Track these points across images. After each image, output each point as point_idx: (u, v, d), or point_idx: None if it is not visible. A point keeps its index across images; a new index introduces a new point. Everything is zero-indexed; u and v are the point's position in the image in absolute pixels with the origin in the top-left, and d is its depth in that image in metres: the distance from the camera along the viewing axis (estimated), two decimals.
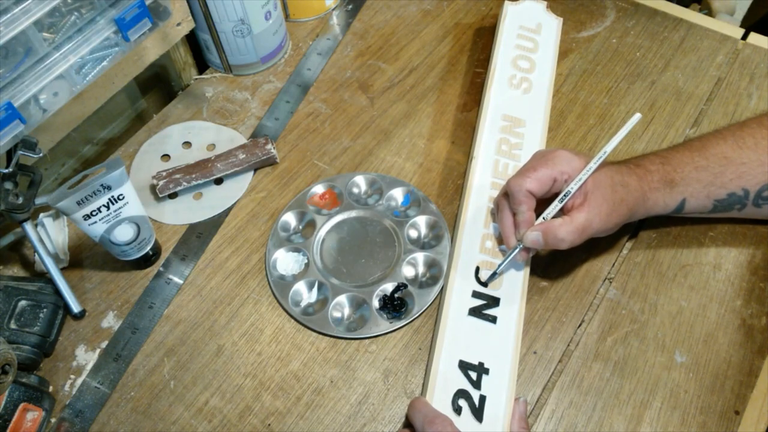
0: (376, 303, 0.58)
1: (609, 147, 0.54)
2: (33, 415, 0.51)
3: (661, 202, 0.56)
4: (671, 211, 0.57)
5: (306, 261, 0.61)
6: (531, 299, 0.58)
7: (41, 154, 0.55)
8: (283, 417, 0.53)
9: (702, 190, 0.55)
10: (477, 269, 0.57)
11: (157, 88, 0.80)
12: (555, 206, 0.54)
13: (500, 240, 0.58)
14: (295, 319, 0.58)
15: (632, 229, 0.62)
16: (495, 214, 0.59)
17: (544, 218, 0.54)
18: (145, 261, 0.61)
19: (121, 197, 0.54)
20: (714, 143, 0.56)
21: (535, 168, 0.54)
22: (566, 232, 0.52)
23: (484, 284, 0.56)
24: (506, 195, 0.56)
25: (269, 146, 0.67)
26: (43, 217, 0.62)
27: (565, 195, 0.53)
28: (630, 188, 0.54)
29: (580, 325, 0.57)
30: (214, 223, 0.65)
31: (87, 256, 0.63)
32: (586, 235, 0.53)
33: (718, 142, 0.56)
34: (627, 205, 0.54)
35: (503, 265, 0.56)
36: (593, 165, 0.53)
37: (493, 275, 0.56)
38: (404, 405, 0.53)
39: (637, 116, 0.54)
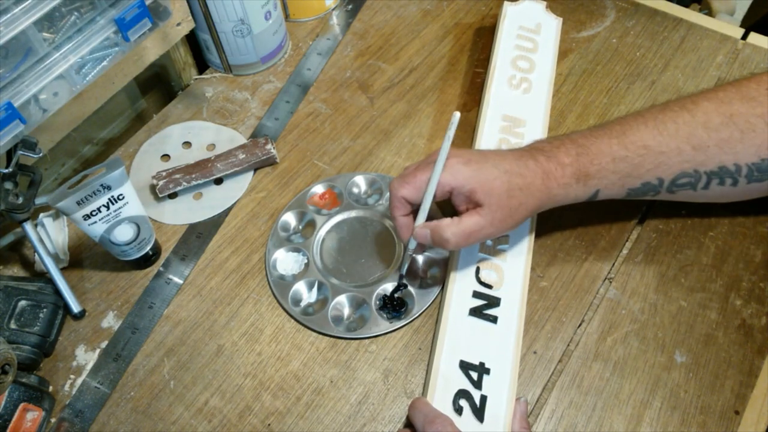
0: (376, 303, 0.58)
1: (443, 151, 0.51)
2: (33, 415, 0.51)
3: (572, 195, 0.54)
4: (582, 201, 0.55)
5: (306, 261, 0.61)
6: (531, 299, 0.58)
7: (41, 154, 0.55)
8: (283, 417, 0.53)
9: (617, 181, 0.54)
10: (477, 269, 0.57)
11: (157, 88, 0.80)
12: (423, 213, 0.53)
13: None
14: (295, 319, 0.58)
15: (630, 230, 0.62)
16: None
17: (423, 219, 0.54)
18: (145, 261, 0.61)
19: (121, 197, 0.54)
20: (635, 129, 0.54)
21: (415, 174, 0.52)
22: (452, 233, 0.51)
23: (397, 288, 0.58)
24: None
25: (269, 146, 0.67)
26: (43, 217, 0.62)
27: (419, 209, 0.53)
28: (532, 190, 0.52)
29: (580, 325, 0.57)
30: (214, 223, 0.65)
31: (87, 256, 0.63)
32: (473, 240, 0.51)
33: (639, 127, 0.54)
34: (526, 208, 0.52)
35: (404, 266, 0.56)
36: (438, 169, 0.51)
37: (401, 277, 0.57)
38: (404, 405, 0.53)
39: (456, 115, 0.51)
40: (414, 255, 0.57)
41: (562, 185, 0.53)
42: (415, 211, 0.54)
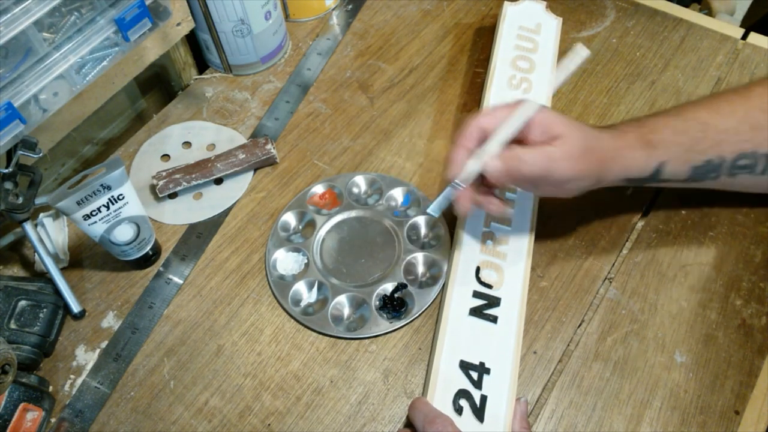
0: (376, 303, 0.58)
1: (556, 81, 0.50)
2: (33, 415, 0.51)
3: (639, 163, 0.52)
4: (647, 176, 0.54)
5: (306, 261, 0.61)
6: (531, 299, 0.58)
7: (41, 154, 0.55)
8: (283, 417, 0.53)
9: (682, 154, 0.53)
10: (477, 269, 0.57)
11: (157, 88, 0.80)
12: (492, 142, 0.49)
13: (487, 235, 0.57)
14: (295, 319, 0.58)
15: (630, 230, 0.62)
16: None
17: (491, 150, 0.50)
18: (145, 261, 0.61)
19: (120, 197, 0.54)
20: (691, 110, 0.54)
21: (496, 109, 0.50)
22: (530, 155, 0.48)
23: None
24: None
25: (269, 146, 0.67)
26: (43, 217, 0.62)
27: (510, 133, 0.49)
28: (603, 143, 0.51)
29: (580, 325, 0.57)
30: (214, 223, 0.65)
31: (87, 256, 0.63)
32: (550, 168, 0.48)
33: (696, 108, 0.54)
34: (597, 156, 0.50)
35: (440, 206, 0.52)
36: (524, 112, 0.49)
37: (437, 205, 0.52)
38: (404, 405, 0.53)
39: (583, 49, 0.50)
40: (449, 199, 0.51)
41: (629, 147, 0.52)
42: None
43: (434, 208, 0.53)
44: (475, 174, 0.49)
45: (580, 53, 0.51)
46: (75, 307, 0.58)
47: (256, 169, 0.68)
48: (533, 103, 0.50)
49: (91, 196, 0.52)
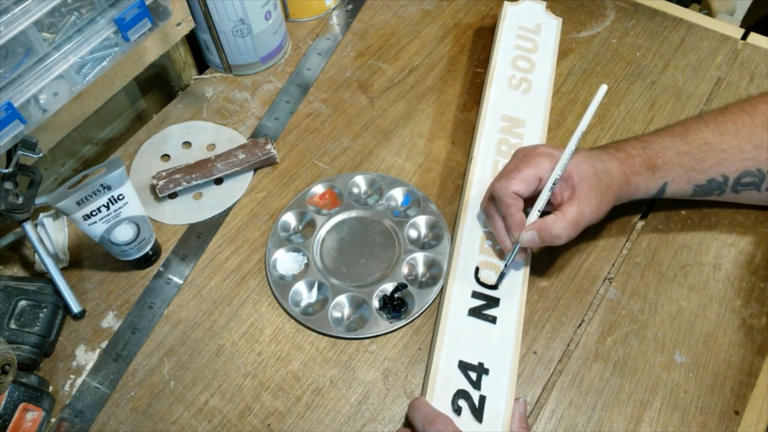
0: (376, 303, 0.58)
1: (582, 125, 0.53)
2: (33, 415, 0.51)
3: (643, 186, 0.56)
4: (653, 195, 0.57)
5: (306, 261, 0.61)
6: (531, 299, 0.58)
7: (41, 154, 0.55)
8: (283, 417, 0.53)
9: (683, 175, 0.56)
10: (477, 269, 0.57)
11: (157, 88, 0.80)
12: (544, 196, 0.54)
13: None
14: (295, 319, 0.58)
15: (630, 231, 0.62)
16: (485, 219, 0.59)
17: (539, 211, 0.54)
18: (145, 261, 0.61)
19: (120, 197, 0.54)
20: (696, 128, 0.56)
21: (519, 169, 0.54)
22: (561, 227, 0.52)
23: (494, 287, 0.56)
24: (492, 199, 0.56)
25: (269, 146, 0.67)
26: (43, 217, 0.62)
27: (552, 184, 0.53)
28: (613, 174, 0.54)
29: (580, 325, 0.57)
30: (214, 223, 0.65)
31: (87, 256, 0.63)
32: (580, 227, 0.53)
33: (700, 127, 0.56)
34: (613, 191, 0.54)
35: (508, 267, 0.55)
36: (572, 146, 0.53)
37: (501, 277, 0.56)
38: (404, 405, 0.53)
39: (604, 88, 0.54)
40: (515, 260, 0.56)
41: (635, 173, 0.56)
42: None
43: (511, 267, 0.56)
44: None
45: (600, 91, 0.55)
46: (75, 307, 0.58)
47: (256, 169, 0.68)
48: (557, 166, 0.53)
49: (91, 196, 0.52)
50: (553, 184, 0.53)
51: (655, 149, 0.56)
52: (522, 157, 0.55)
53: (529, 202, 0.55)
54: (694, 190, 0.57)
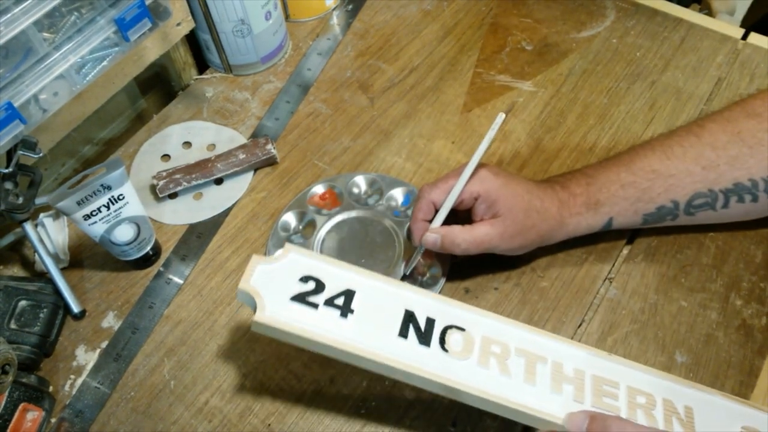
0: None
1: (479, 150, 0.52)
2: (33, 415, 0.51)
3: (584, 225, 0.56)
4: (599, 230, 0.57)
5: None
6: (531, 299, 0.58)
7: (41, 154, 0.55)
8: (284, 417, 0.53)
9: (629, 207, 0.55)
10: (444, 330, 0.49)
11: (157, 88, 0.80)
12: (444, 208, 0.53)
13: None
14: None
15: (630, 231, 0.62)
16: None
17: (442, 218, 0.54)
18: (145, 261, 0.61)
19: (121, 197, 0.54)
20: (642, 156, 0.55)
21: (447, 179, 0.53)
22: (463, 239, 0.52)
23: (404, 276, 0.57)
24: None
25: (269, 146, 0.67)
26: (43, 217, 0.62)
27: (439, 209, 0.54)
28: (547, 215, 0.54)
29: (580, 325, 0.57)
30: (214, 223, 0.65)
31: (87, 256, 0.63)
32: (482, 249, 0.53)
33: (647, 154, 0.55)
34: (538, 232, 0.54)
35: (408, 266, 0.57)
36: (468, 170, 0.52)
37: (404, 277, 0.57)
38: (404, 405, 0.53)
39: (501, 116, 0.52)
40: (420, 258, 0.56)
41: (574, 214, 0.55)
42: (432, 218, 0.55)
43: (408, 269, 0.57)
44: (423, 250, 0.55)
45: (497, 120, 0.53)
46: (75, 307, 0.58)
47: (256, 169, 0.68)
48: (469, 168, 0.52)
49: (92, 196, 0.52)
50: (439, 209, 0.54)
51: (598, 185, 0.55)
52: (458, 168, 0.54)
53: (465, 215, 0.55)
54: (644, 219, 0.56)
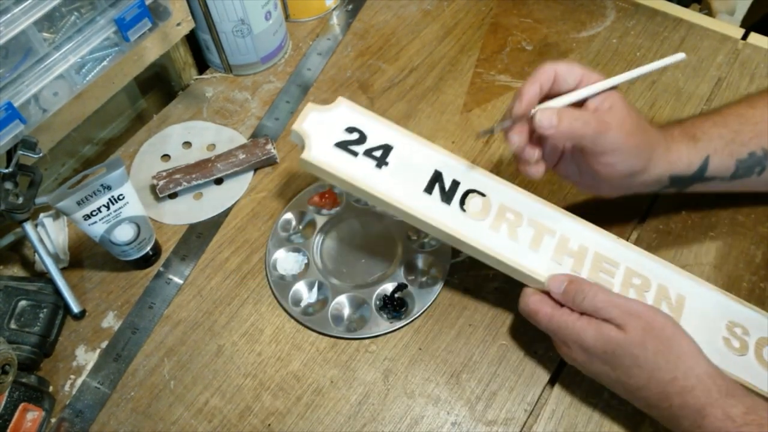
0: (376, 303, 0.58)
1: (644, 69, 0.50)
2: (33, 415, 0.51)
3: (684, 158, 0.52)
4: (694, 172, 0.53)
5: (306, 261, 0.61)
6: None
7: (41, 154, 0.55)
8: (283, 417, 0.53)
9: (725, 147, 0.53)
10: (465, 194, 0.53)
11: (157, 88, 0.80)
12: (576, 94, 0.49)
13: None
14: (295, 319, 0.58)
15: (630, 231, 0.62)
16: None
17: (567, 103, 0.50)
18: (145, 261, 0.61)
19: (121, 197, 0.54)
20: (727, 106, 0.56)
21: (573, 62, 0.50)
22: (585, 115, 0.47)
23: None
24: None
25: (269, 146, 0.67)
26: (43, 217, 0.62)
27: (581, 94, 0.49)
28: (652, 133, 0.51)
29: None
30: (214, 223, 0.65)
31: (87, 256, 0.63)
32: (601, 132, 0.47)
33: (731, 104, 0.56)
34: (649, 137, 0.50)
35: (505, 122, 0.49)
36: (629, 75, 0.50)
37: (490, 131, 0.51)
38: (404, 405, 0.53)
39: (681, 56, 0.51)
40: (503, 129, 0.50)
41: (676, 141, 0.53)
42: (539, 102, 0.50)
43: (492, 129, 0.51)
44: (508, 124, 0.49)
45: (675, 57, 0.52)
46: (75, 307, 0.58)
47: (256, 169, 0.68)
48: (610, 81, 0.50)
49: (92, 196, 0.52)
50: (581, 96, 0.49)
51: (690, 122, 0.54)
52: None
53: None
54: (736, 167, 0.54)
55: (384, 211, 0.53)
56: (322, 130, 0.53)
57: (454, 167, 0.54)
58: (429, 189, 0.52)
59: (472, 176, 0.53)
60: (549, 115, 0.47)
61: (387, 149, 0.53)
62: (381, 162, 0.52)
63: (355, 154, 0.52)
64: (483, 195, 0.53)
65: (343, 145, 0.53)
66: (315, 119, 0.53)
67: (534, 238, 0.52)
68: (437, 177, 0.53)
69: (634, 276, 0.51)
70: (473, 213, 0.52)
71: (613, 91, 0.50)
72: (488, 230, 0.51)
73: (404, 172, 0.52)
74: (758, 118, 0.54)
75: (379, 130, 0.54)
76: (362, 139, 0.53)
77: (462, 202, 0.52)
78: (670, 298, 0.51)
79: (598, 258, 0.52)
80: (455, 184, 0.53)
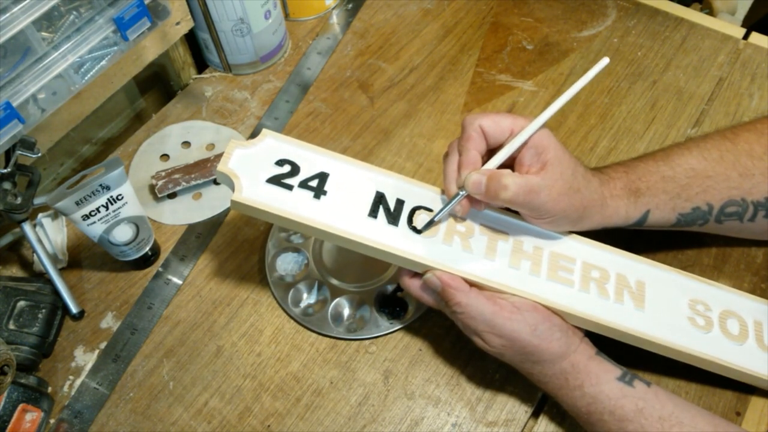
0: (376, 304, 0.58)
1: (571, 90, 0.49)
2: (32, 416, 0.51)
3: (622, 212, 0.52)
4: (631, 224, 0.53)
5: (306, 261, 0.60)
6: None
7: (40, 154, 0.55)
8: (283, 418, 0.53)
9: (668, 202, 0.53)
10: (412, 212, 0.51)
11: (156, 87, 0.80)
12: (503, 152, 0.48)
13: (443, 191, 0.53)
14: (295, 320, 0.58)
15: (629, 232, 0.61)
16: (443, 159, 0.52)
17: (497, 163, 0.49)
18: (144, 261, 0.61)
19: (119, 197, 0.54)
20: (678, 154, 0.54)
21: (497, 114, 0.49)
22: (513, 182, 0.46)
23: (419, 231, 0.51)
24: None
25: None
26: (42, 217, 0.62)
27: (512, 145, 0.48)
28: (590, 186, 0.50)
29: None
30: (214, 224, 0.64)
31: (86, 256, 0.63)
32: (530, 199, 0.47)
33: (683, 152, 0.54)
34: (582, 200, 0.49)
35: (442, 213, 0.49)
36: (555, 106, 0.49)
37: (430, 223, 0.50)
38: (404, 406, 0.53)
39: (605, 60, 0.49)
40: (454, 210, 0.49)
41: (615, 196, 0.52)
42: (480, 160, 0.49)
43: (432, 220, 0.50)
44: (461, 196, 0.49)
45: (601, 63, 0.50)
46: (74, 308, 0.58)
47: None
48: (538, 121, 0.49)
49: (90, 196, 0.52)
50: (510, 147, 0.48)
51: (637, 173, 0.52)
52: (498, 113, 0.50)
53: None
54: (677, 219, 0.54)
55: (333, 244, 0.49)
56: (250, 168, 0.49)
57: (396, 186, 0.51)
58: (373, 212, 0.49)
59: (415, 192, 0.51)
60: (477, 182, 0.47)
61: (323, 177, 0.50)
62: (319, 192, 0.49)
63: (290, 187, 0.49)
64: (430, 210, 0.50)
65: (275, 180, 0.49)
66: (241, 156, 0.49)
67: (488, 246, 0.50)
68: (380, 199, 0.50)
69: (593, 269, 0.51)
70: (424, 231, 0.49)
71: (548, 143, 0.48)
72: (441, 245, 0.49)
73: (345, 199, 0.49)
74: (710, 172, 0.52)
75: (311, 158, 0.51)
76: (295, 170, 0.50)
77: (410, 221, 0.49)
78: (630, 285, 0.51)
79: (554, 257, 0.51)
80: (399, 203, 0.50)
